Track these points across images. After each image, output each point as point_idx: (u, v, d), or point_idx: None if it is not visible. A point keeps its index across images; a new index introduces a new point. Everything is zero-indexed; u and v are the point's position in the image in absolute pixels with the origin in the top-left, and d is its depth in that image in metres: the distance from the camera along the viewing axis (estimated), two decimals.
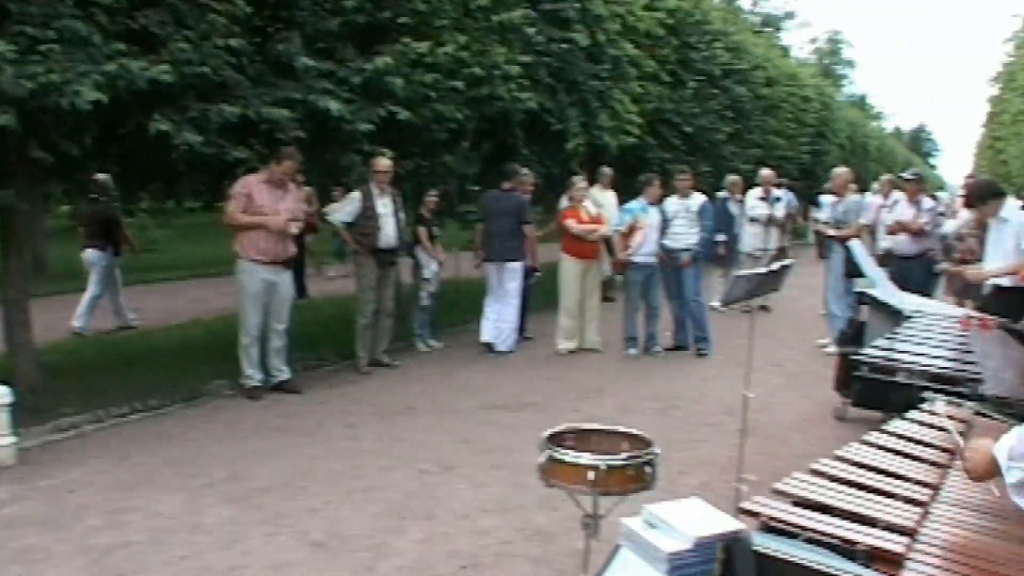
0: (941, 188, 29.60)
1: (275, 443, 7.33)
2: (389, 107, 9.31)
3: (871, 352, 6.00)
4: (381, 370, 9.96)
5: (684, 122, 18.09)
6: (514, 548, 5.35)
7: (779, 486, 3.21)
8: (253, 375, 8.76)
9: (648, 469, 3.68)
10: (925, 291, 9.31)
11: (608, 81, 13.98)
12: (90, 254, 12.09)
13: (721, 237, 14.07)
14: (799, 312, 14.68)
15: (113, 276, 12.32)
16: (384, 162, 9.63)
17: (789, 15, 70.66)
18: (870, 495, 3.21)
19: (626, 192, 13.58)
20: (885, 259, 11.79)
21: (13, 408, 6.83)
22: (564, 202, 11.73)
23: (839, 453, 3.65)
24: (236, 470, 6.61)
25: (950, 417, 4.35)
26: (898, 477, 3.46)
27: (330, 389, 9.16)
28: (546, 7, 12.30)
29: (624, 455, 3.64)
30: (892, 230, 11.65)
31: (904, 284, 9.41)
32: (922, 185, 12.07)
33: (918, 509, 3.14)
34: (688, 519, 2.64)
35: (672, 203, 11.18)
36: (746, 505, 3.01)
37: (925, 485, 3.41)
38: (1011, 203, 7.70)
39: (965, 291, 11.07)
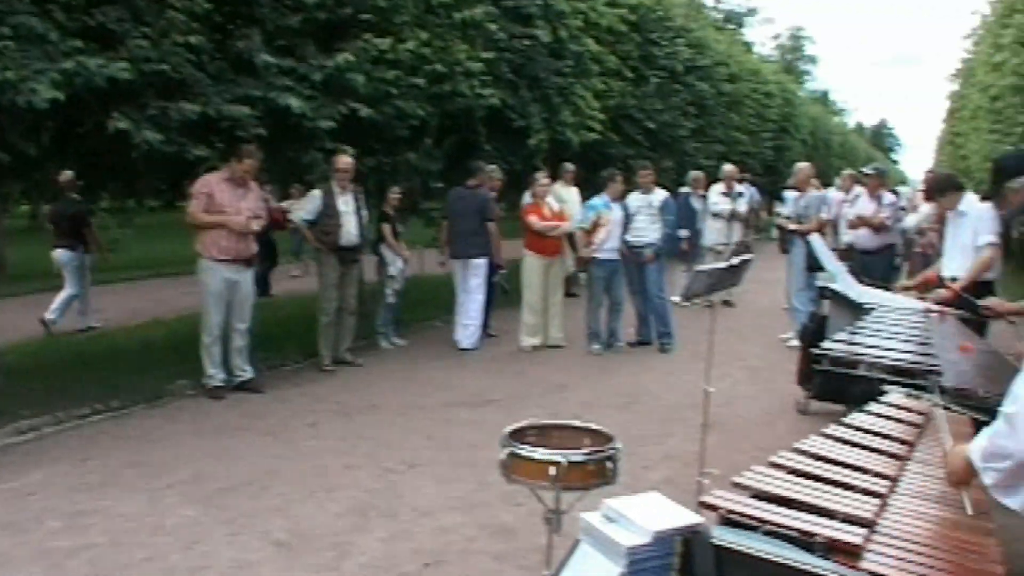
0: (903, 183, 29.89)
1: (238, 443, 7.29)
2: (350, 104, 9.28)
3: (831, 345, 6.03)
4: (344, 368, 9.92)
5: (647, 118, 18.15)
6: (478, 545, 5.36)
7: (738, 479, 3.22)
8: (215, 375, 8.70)
9: (609, 464, 3.68)
10: (887, 285, 9.36)
11: (570, 77, 14.00)
12: (60, 254, 11.92)
13: (684, 232, 14.15)
14: (762, 307, 14.78)
15: (85, 275, 12.19)
16: (345, 160, 9.58)
17: (752, 11, 71.22)
18: (829, 487, 3.23)
19: (589, 188, 13.61)
20: (847, 253, 11.89)
21: None
22: (527, 198, 11.73)
23: (798, 446, 3.67)
24: (198, 470, 6.57)
25: (906, 409, 4.40)
26: (857, 469, 3.48)
27: (293, 388, 9.11)
28: (508, 3, 12.32)
29: (585, 450, 3.65)
30: (853, 225, 11.75)
31: (866, 277, 9.48)
32: (883, 180, 12.18)
33: (876, 501, 3.15)
34: (647, 513, 2.65)
35: (634, 199, 11.21)
36: (705, 499, 3.02)
37: (884, 477, 3.43)
38: (969, 197, 7.77)
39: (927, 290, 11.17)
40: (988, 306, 5.77)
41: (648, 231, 11.04)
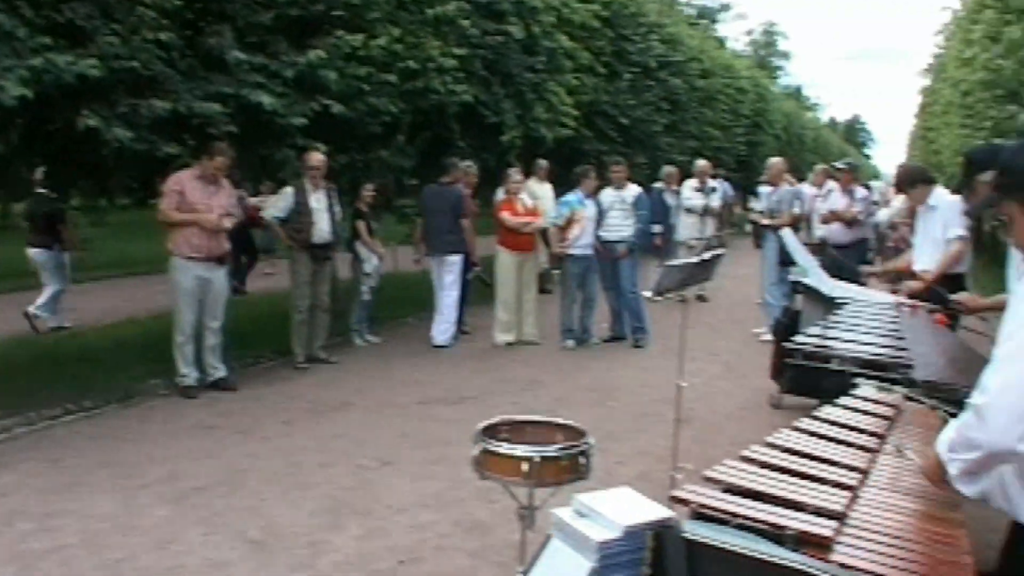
0: (876, 178, 30.06)
1: (211, 442, 7.26)
2: (322, 101, 9.25)
3: (804, 339, 6.06)
4: (318, 366, 9.90)
5: (620, 114, 18.16)
6: (452, 541, 5.36)
7: (710, 473, 3.23)
8: (188, 373, 8.66)
9: (582, 460, 3.69)
10: (859, 279, 9.42)
11: (543, 73, 13.99)
12: (36, 253, 11.78)
13: (657, 228, 14.17)
14: (736, 301, 14.83)
15: (65, 273, 12.11)
16: (317, 157, 9.54)
17: (725, 7, 71.48)
18: (800, 480, 3.25)
19: (562, 184, 13.61)
20: (820, 248, 11.95)
21: None
22: (500, 195, 11.73)
23: (769, 440, 3.68)
24: (172, 470, 6.53)
25: (877, 402, 4.43)
26: (828, 462, 3.50)
27: (266, 386, 9.08)
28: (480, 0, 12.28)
29: (558, 446, 3.65)
30: (826, 219, 11.82)
31: (839, 272, 9.53)
32: (855, 175, 12.27)
33: (847, 493, 3.17)
34: (618, 508, 2.65)
35: (607, 195, 11.23)
36: (677, 493, 3.03)
37: (854, 469, 3.45)
38: (939, 191, 7.80)
39: (898, 278, 11.24)
40: (960, 301, 5.79)
41: (621, 227, 11.05)
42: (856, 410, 4.28)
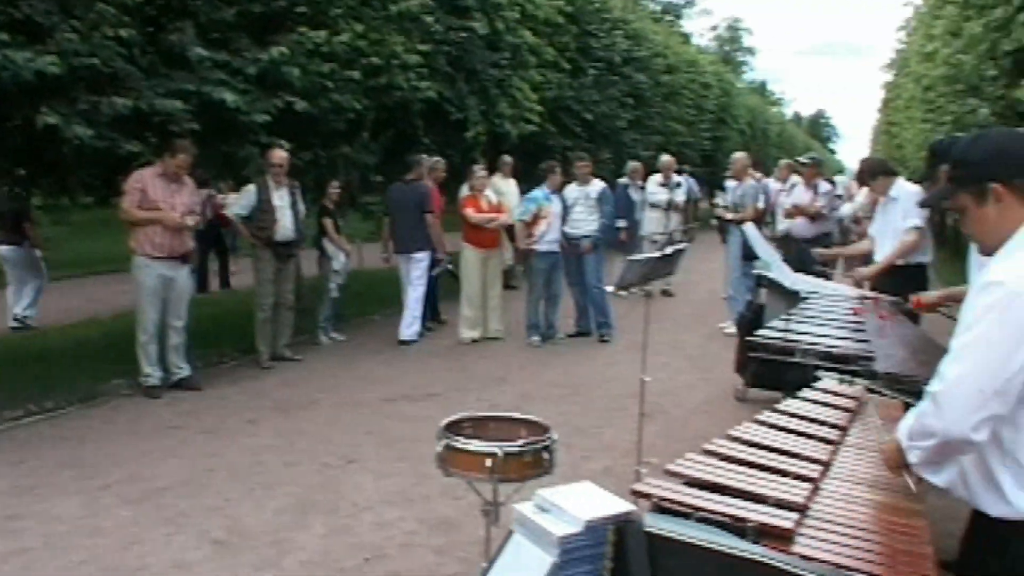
0: (840, 172, 30.22)
1: (175, 441, 7.21)
2: (286, 98, 9.20)
3: (766, 333, 6.09)
4: (283, 364, 9.86)
5: (584, 109, 18.20)
6: (418, 538, 5.36)
7: (672, 467, 3.24)
8: (152, 373, 8.59)
9: (546, 455, 3.70)
10: (824, 273, 9.47)
11: (508, 69, 14.01)
12: (5, 251, 11.72)
13: (622, 223, 14.22)
14: (701, 296, 14.91)
15: (40, 268, 12.07)
16: (279, 154, 9.49)
17: (689, 3, 71.58)
18: (761, 473, 3.25)
19: (527, 180, 13.62)
20: (784, 242, 12.02)
21: None
22: (464, 191, 11.72)
23: (731, 433, 3.69)
24: (135, 470, 6.49)
25: (838, 394, 4.45)
26: (789, 455, 3.51)
27: (231, 385, 9.03)
28: None
29: (521, 441, 3.66)
30: (789, 213, 11.87)
31: (803, 266, 9.58)
32: (819, 169, 12.34)
33: (808, 485, 3.18)
34: (579, 502, 2.65)
35: (571, 190, 11.24)
36: (638, 487, 3.04)
37: (816, 462, 3.46)
38: (900, 182, 7.87)
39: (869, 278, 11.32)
40: (918, 301, 5.86)
41: (586, 222, 11.07)
42: (818, 403, 4.30)
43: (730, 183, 12.84)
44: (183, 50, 8.35)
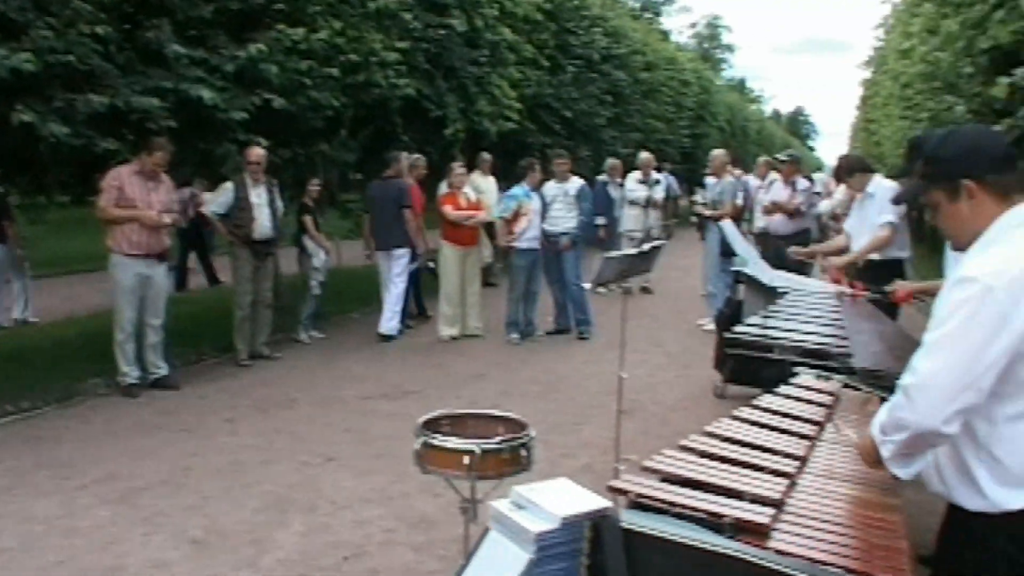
0: (819, 169, 30.36)
1: (153, 441, 7.17)
2: (263, 95, 9.19)
3: (744, 329, 6.11)
4: (261, 362, 9.82)
5: (563, 107, 18.22)
6: (397, 536, 5.35)
7: (648, 463, 3.25)
8: (129, 372, 8.55)
9: (524, 452, 3.71)
10: (802, 269, 9.53)
11: (486, 67, 14.01)
12: None
13: (601, 220, 14.26)
14: (680, 293, 14.92)
15: (23, 266, 12.04)
16: (257, 151, 9.45)
17: (668, 0, 71.58)
18: (738, 469, 3.26)
19: (506, 177, 13.62)
20: (762, 239, 12.08)
21: None
22: (443, 188, 11.72)
23: (708, 429, 3.70)
24: (113, 470, 6.45)
25: (815, 390, 4.47)
26: (766, 450, 3.52)
27: (209, 384, 8.99)
28: None
29: (499, 439, 3.66)
30: (768, 210, 11.92)
31: (781, 263, 9.62)
32: (798, 166, 12.39)
33: (785, 480, 3.20)
34: (555, 499, 2.65)
35: (550, 187, 11.25)
36: (615, 483, 3.04)
37: (793, 457, 3.48)
38: (877, 178, 7.92)
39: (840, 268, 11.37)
40: (894, 292, 5.89)
41: (564, 219, 11.08)
42: (795, 398, 4.32)
43: (709, 180, 12.87)
44: (160, 47, 8.32)
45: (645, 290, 14.85)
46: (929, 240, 16.13)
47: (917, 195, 2.86)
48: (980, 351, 2.40)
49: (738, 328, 6.14)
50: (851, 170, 8.00)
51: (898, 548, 2.75)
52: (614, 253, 6.59)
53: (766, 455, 3.47)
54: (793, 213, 11.64)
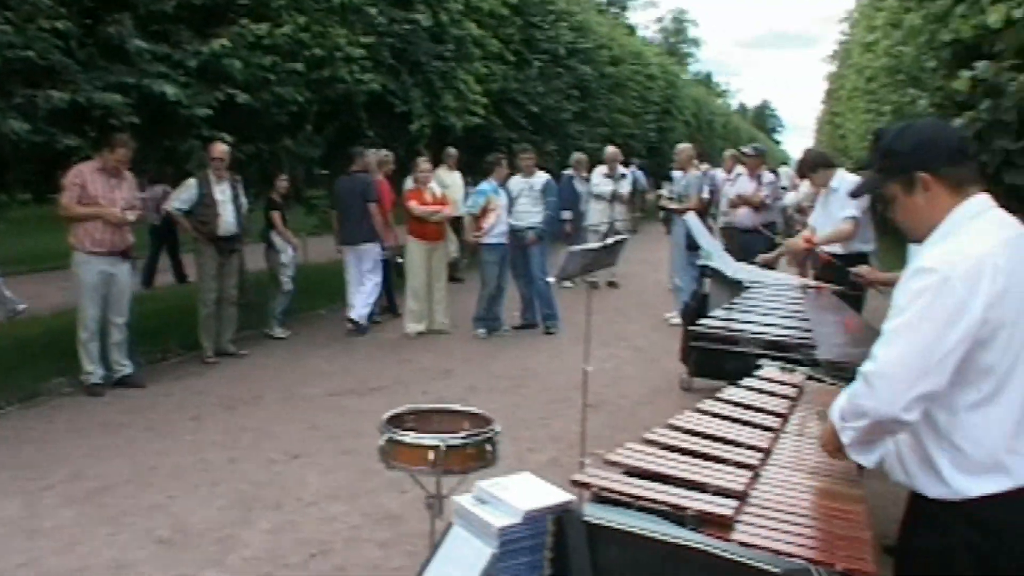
0: (784, 163, 30.52)
1: (118, 440, 7.12)
2: (227, 90, 9.12)
3: (708, 322, 6.14)
4: (227, 360, 9.76)
5: (530, 101, 18.20)
6: (363, 533, 5.35)
7: (612, 456, 3.25)
8: (94, 371, 8.47)
9: (489, 447, 3.71)
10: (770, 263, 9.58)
11: (452, 61, 13.97)
12: None
13: (567, 214, 14.27)
14: (647, 287, 14.98)
15: None
16: (220, 147, 9.37)
17: None
18: (701, 461, 3.28)
19: (472, 172, 13.60)
20: (728, 232, 12.13)
21: None
22: (409, 184, 11.70)
23: (672, 422, 3.71)
24: (77, 470, 6.40)
25: (779, 382, 4.49)
26: (730, 443, 3.54)
27: (175, 382, 8.93)
28: None
29: (463, 434, 3.66)
30: (734, 203, 11.97)
31: (747, 256, 9.67)
32: (763, 160, 12.45)
33: (748, 473, 3.21)
34: (518, 494, 2.66)
35: (516, 182, 11.25)
36: (578, 477, 3.04)
37: (756, 449, 3.49)
38: (842, 173, 7.96)
39: (805, 261, 11.45)
40: (859, 274, 5.93)
41: (530, 214, 11.08)
42: (759, 391, 4.34)
43: (676, 174, 12.92)
44: (122, 42, 8.23)
45: (612, 284, 14.88)
46: (893, 233, 16.24)
47: (874, 188, 2.90)
48: (938, 338, 2.44)
49: (702, 321, 6.17)
50: (813, 166, 8.03)
51: (861, 538, 2.77)
52: (578, 247, 6.59)
53: (729, 447, 3.49)
54: (759, 206, 11.69)
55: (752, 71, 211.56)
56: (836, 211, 7.55)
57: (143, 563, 4.96)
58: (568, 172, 15.80)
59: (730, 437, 3.61)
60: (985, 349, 2.49)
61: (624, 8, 67.56)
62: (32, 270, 16.37)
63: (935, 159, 2.64)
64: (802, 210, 12.92)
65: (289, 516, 5.59)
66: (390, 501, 5.72)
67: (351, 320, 11.06)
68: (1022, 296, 2.52)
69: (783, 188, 13.51)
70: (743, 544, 2.64)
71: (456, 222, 12.44)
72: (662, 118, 31.35)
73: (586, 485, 2.99)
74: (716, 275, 8.49)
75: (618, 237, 7.11)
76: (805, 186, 11.86)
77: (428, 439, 3.60)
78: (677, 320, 10.61)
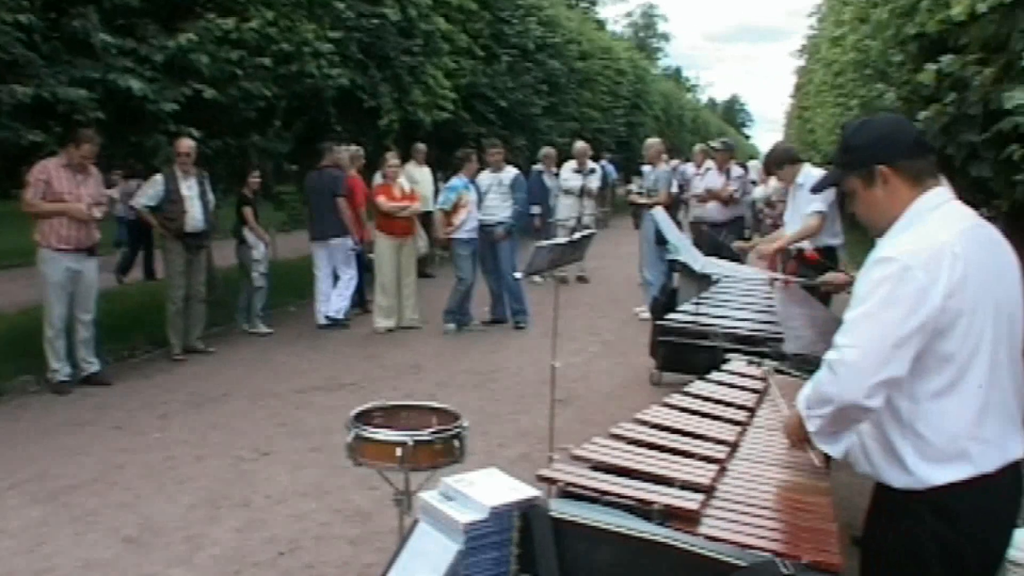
0: (752, 157, 30.65)
1: (84, 438, 7.07)
2: (194, 85, 9.06)
3: (676, 316, 6.17)
4: (196, 357, 9.69)
5: (498, 96, 18.18)
6: (332, 530, 5.33)
7: (578, 451, 3.26)
8: (60, 369, 8.40)
9: (456, 443, 3.70)
10: (736, 256, 9.61)
11: (421, 56, 13.95)
12: None
13: (536, 209, 14.29)
14: (617, 281, 15.00)
15: None
16: (186, 143, 9.30)
17: None
18: (668, 456, 3.29)
19: (442, 168, 13.57)
20: (696, 226, 12.18)
21: None
22: (377, 179, 11.66)
23: (639, 416, 3.72)
24: (42, 469, 6.34)
25: (747, 376, 4.51)
26: (697, 437, 3.55)
27: (142, 379, 8.87)
28: None
29: (430, 430, 3.65)
30: (703, 198, 12.01)
31: (716, 250, 9.69)
32: (731, 154, 12.50)
33: (715, 466, 3.22)
34: (484, 490, 2.66)
35: (484, 177, 11.23)
36: (544, 472, 3.04)
37: (723, 443, 3.50)
38: (808, 168, 7.99)
39: (775, 256, 11.50)
40: (827, 281, 5.99)
41: (499, 209, 11.07)
42: (726, 384, 4.36)
43: (645, 168, 12.95)
44: (87, 36, 8.14)
45: (581, 279, 14.91)
46: (861, 228, 16.34)
47: (835, 183, 2.94)
48: (900, 326, 2.48)
49: (670, 316, 6.18)
50: (779, 162, 8.06)
51: (827, 531, 2.78)
52: (545, 242, 6.59)
53: (696, 441, 3.50)
54: (727, 201, 11.74)
55: (722, 65, 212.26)
56: (803, 206, 7.58)
57: (110, 562, 4.93)
58: (537, 167, 15.80)
59: (697, 431, 3.62)
60: (945, 338, 2.53)
61: (593, 3, 67.46)
62: None
63: (893, 152, 2.69)
64: (771, 204, 12.99)
65: (258, 514, 5.57)
66: (360, 498, 5.70)
67: (328, 319, 11.04)
68: (981, 285, 2.57)
69: (752, 182, 13.57)
70: (709, 538, 2.66)
71: (425, 217, 12.41)
72: (632, 113, 31.40)
73: (552, 480, 2.99)
74: (685, 269, 8.52)
75: (585, 232, 7.10)
76: (774, 180, 11.93)
77: (395, 435, 3.59)
78: (647, 314, 10.63)
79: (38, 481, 6.12)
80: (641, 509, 2.77)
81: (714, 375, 4.51)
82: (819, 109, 23.37)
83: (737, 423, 3.79)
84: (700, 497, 2.89)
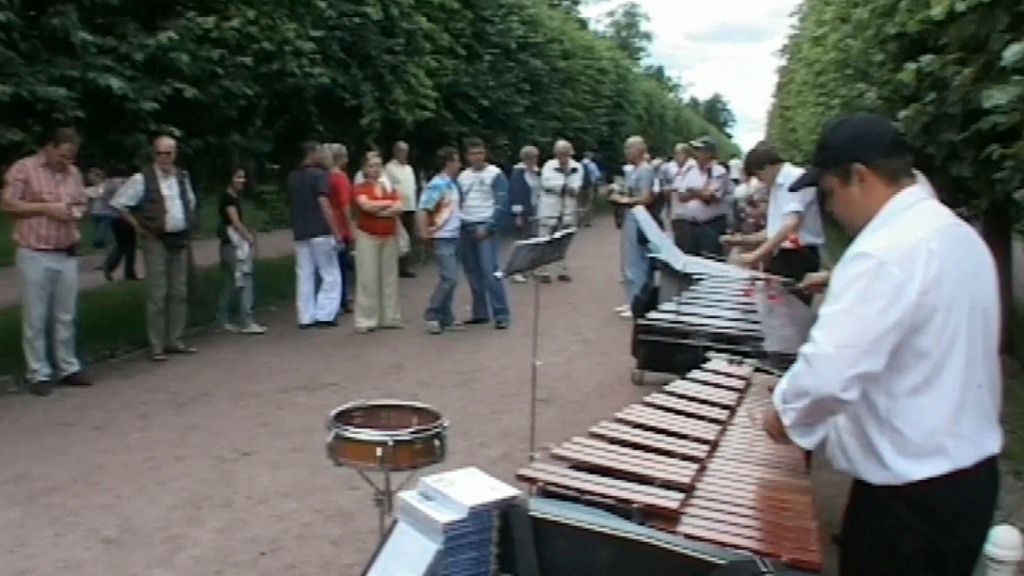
0: (735, 156, 30.73)
1: (64, 439, 7.03)
2: (175, 84, 9.02)
3: (657, 315, 6.18)
4: (177, 357, 9.66)
5: (481, 95, 18.16)
6: (314, 530, 5.32)
7: (558, 451, 3.26)
8: (40, 369, 8.36)
9: (437, 443, 3.70)
10: (718, 255, 9.63)
11: (402, 55, 13.94)
12: None
13: (518, 208, 14.28)
14: (599, 280, 15.01)
15: None
16: (166, 142, 9.26)
17: None
18: (648, 455, 3.30)
19: (423, 167, 13.55)
20: (679, 225, 12.21)
21: None
22: (359, 178, 11.64)
23: (619, 415, 3.73)
24: (22, 470, 6.31)
25: (727, 375, 4.52)
26: (677, 436, 3.56)
27: (123, 379, 8.83)
28: None
29: (411, 430, 3.65)
30: (684, 197, 12.04)
31: (698, 249, 9.71)
32: (713, 153, 12.54)
33: (695, 465, 3.23)
34: (463, 489, 2.65)
35: (466, 176, 11.22)
36: (524, 471, 3.05)
37: (703, 442, 3.52)
38: (788, 168, 8.00)
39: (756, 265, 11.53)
40: (812, 283, 6.01)
41: (481, 208, 11.06)
42: (707, 383, 4.37)
43: (627, 168, 12.97)
44: (66, 35, 8.09)
45: (563, 278, 14.92)
46: (841, 226, 16.40)
47: (812, 182, 2.97)
48: (876, 320, 2.50)
49: (651, 314, 6.19)
50: (759, 163, 8.08)
51: (807, 529, 2.80)
52: (525, 241, 6.60)
53: (676, 440, 3.51)
54: (709, 199, 11.77)
55: (704, 65, 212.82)
56: (783, 206, 7.60)
57: (90, 564, 4.91)
58: (519, 166, 15.80)
59: (677, 430, 3.63)
60: (921, 333, 2.55)
61: (576, 2, 67.59)
62: None
63: (870, 151, 2.72)
64: (753, 203, 13.02)
65: (239, 514, 5.55)
66: (341, 498, 5.69)
67: (317, 321, 11.05)
68: (956, 282, 2.59)
69: (734, 181, 13.61)
70: (689, 536, 2.67)
71: (407, 217, 12.39)
72: (614, 112, 31.43)
73: (532, 480, 2.99)
74: (666, 268, 8.53)
75: (565, 231, 7.11)
76: (756, 180, 11.97)
77: (375, 435, 3.58)
78: (628, 313, 10.65)
79: (17, 482, 6.09)
80: (621, 508, 2.78)
81: (695, 374, 4.52)
82: (800, 108, 23.41)
83: (717, 422, 3.80)
84: (680, 496, 2.91)
